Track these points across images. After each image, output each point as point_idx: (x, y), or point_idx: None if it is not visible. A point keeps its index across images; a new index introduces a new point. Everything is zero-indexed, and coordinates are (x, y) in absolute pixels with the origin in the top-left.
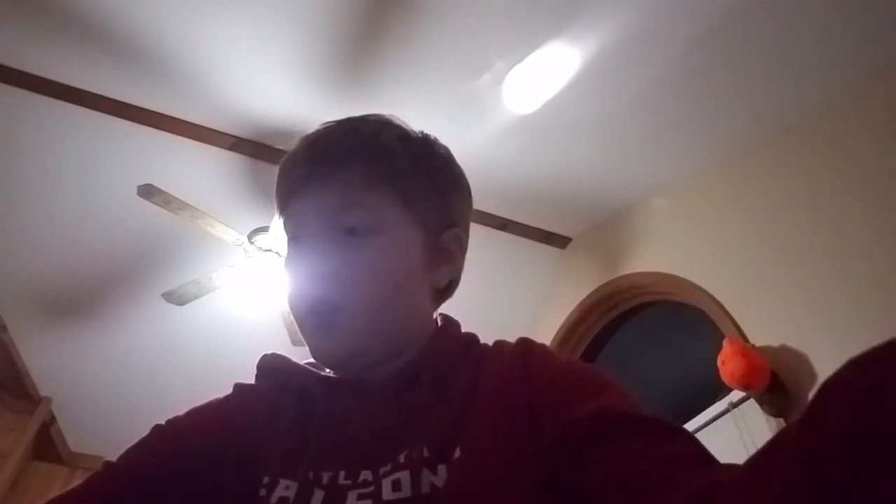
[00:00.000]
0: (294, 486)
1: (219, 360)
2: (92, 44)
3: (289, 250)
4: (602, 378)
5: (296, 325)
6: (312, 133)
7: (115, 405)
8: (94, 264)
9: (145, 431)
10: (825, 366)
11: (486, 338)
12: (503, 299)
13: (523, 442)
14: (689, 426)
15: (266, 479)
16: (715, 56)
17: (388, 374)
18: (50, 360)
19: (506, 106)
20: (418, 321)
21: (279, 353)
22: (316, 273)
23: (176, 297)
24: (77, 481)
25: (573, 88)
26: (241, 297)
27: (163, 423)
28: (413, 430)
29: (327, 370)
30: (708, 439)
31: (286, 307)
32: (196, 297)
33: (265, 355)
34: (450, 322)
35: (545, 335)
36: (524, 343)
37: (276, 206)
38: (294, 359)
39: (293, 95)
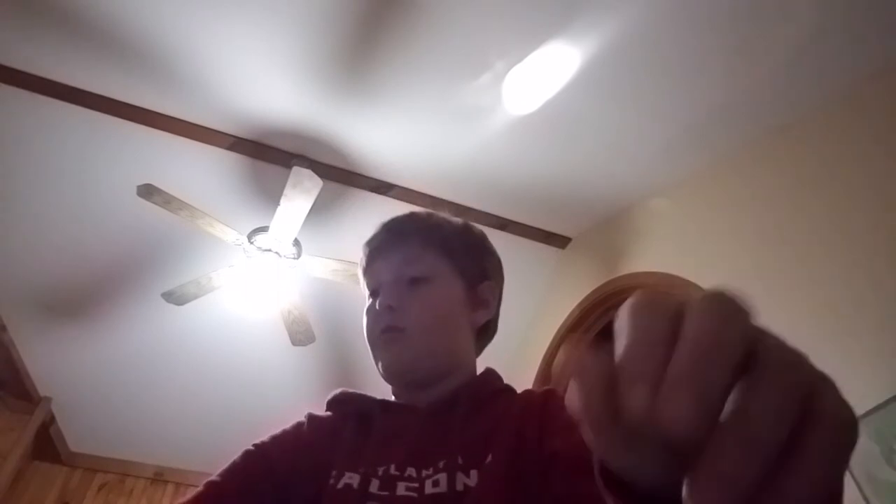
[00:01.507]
0: (357, 477)
1: (219, 360)
2: (92, 44)
3: (369, 302)
4: None
5: (297, 326)
6: (384, 221)
7: (115, 405)
8: (93, 264)
9: (145, 431)
10: (825, 365)
11: None
12: (503, 299)
13: (529, 456)
14: None
15: (334, 473)
16: (715, 56)
17: (431, 401)
18: (50, 360)
19: (506, 106)
20: (461, 350)
21: (348, 389)
22: (387, 307)
23: (176, 297)
24: (76, 481)
25: (573, 88)
26: (241, 297)
27: (252, 447)
28: (450, 444)
29: (384, 396)
30: None
31: (286, 306)
32: (196, 297)
33: (335, 392)
34: (492, 372)
35: (545, 335)
36: (550, 389)
37: (361, 268)
38: (359, 390)
39: (293, 95)
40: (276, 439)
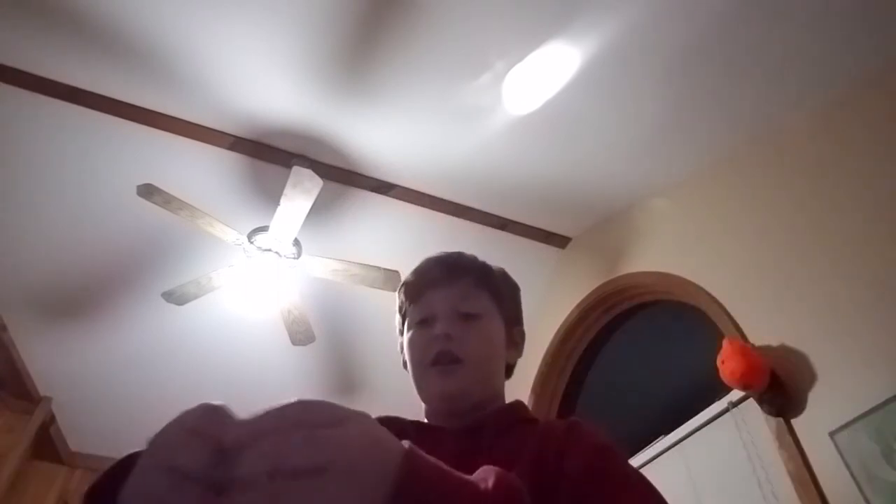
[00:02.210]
0: None
1: (219, 359)
2: (92, 44)
3: (416, 329)
4: (603, 450)
5: (297, 326)
6: (435, 256)
7: (115, 405)
8: (94, 264)
9: (145, 431)
10: (825, 365)
11: None
12: None
13: (549, 469)
14: (689, 425)
15: None
16: (714, 56)
17: (462, 424)
18: (50, 360)
19: (506, 106)
20: (498, 384)
21: (383, 415)
22: (446, 335)
23: (176, 297)
24: (76, 481)
25: (573, 88)
26: (241, 296)
27: None
28: (478, 464)
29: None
30: (708, 438)
31: (286, 306)
32: (196, 296)
33: (375, 417)
34: (521, 403)
35: (545, 335)
36: (574, 420)
37: (406, 298)
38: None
39: (293, 95)
40: None
